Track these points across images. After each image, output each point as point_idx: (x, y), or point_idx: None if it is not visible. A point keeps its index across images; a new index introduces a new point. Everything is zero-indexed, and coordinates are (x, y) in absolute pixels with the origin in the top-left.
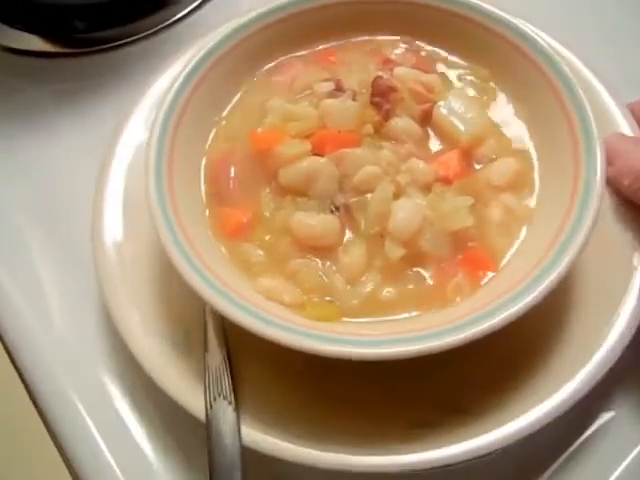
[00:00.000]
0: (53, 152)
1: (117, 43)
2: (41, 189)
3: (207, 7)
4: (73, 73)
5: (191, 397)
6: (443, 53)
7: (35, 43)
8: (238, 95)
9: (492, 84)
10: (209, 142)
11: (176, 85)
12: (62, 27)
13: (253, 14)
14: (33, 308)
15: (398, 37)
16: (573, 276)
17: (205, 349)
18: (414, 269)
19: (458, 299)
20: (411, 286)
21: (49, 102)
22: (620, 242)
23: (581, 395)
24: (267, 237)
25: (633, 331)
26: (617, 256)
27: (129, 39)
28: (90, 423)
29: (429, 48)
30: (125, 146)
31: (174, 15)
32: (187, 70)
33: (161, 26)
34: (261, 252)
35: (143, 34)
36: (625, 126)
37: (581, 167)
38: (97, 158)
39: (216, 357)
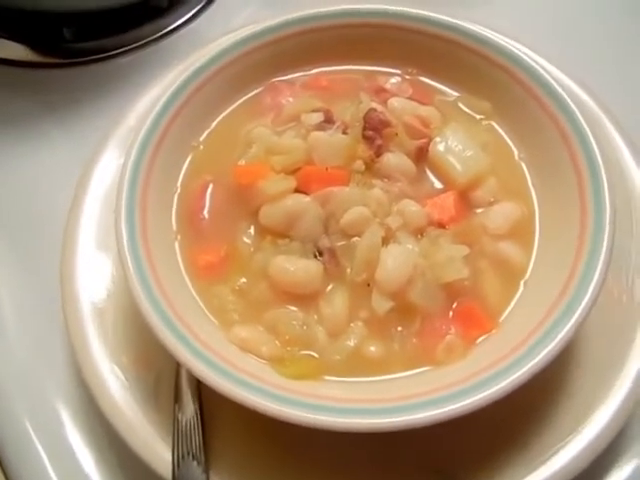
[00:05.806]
0: (33, 167)
1: (106, 54)
2: (19, 203)
3: (198, 21)
4: (59, 85)
5: (157, 454)
6: (442, 84)
7: (19, 52)
8: (219, 118)
9: (493, 119)
10: (184, 169)
11: (153, 115)
12: (49, 36)
13: (244, 33)
14: None
15: (396, 65)
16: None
17: (175, 399)
18: (403, 323)
19: (449, 360)
20: (398, 343)
21: (31, 115)
22: (625, 303)
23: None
24: (242, 280)
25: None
26: (620, 318)
27: (118, 50)
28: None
29: (427, 79)
30: (100, 176)
31: (165, 27)
32: (168, 94)
33: (151, 38)
34: (236, 297)
35: (133, 46)
36: (634, 167)
37: (588, 218)
38: (77, 174)
39: (187, 410)
